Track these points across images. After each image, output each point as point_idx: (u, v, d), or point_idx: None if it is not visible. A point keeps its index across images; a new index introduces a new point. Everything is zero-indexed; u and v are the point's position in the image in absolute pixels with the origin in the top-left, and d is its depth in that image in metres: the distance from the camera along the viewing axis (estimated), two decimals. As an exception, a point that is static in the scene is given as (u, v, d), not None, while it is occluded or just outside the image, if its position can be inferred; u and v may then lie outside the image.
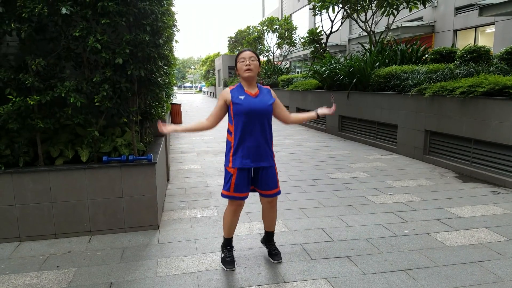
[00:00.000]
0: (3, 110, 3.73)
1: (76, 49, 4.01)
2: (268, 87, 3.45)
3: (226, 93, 3.31)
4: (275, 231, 3.73)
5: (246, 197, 3.36)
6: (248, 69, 3.23)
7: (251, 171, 3.35)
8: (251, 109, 3.20)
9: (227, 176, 3.32)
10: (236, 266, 3.47)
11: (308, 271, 3.37)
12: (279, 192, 3.45)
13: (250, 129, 3.22)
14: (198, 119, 3.48)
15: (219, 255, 3.69)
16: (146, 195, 4.24)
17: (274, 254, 3.58)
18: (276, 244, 3.72)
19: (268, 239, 3.69)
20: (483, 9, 12.81)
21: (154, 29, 4.16)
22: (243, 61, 3.25)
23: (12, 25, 3.64)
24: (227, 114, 3.38)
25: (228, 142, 3.37)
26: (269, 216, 3.57)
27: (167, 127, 3.37)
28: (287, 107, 16.50)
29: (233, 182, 3.28)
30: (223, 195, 3.37)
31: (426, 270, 3.36)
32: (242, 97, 3.24)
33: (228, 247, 3.54)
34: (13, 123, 3.82)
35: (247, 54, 3.27)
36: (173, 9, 5.60)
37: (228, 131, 3.36)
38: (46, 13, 3.63)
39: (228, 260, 3.46)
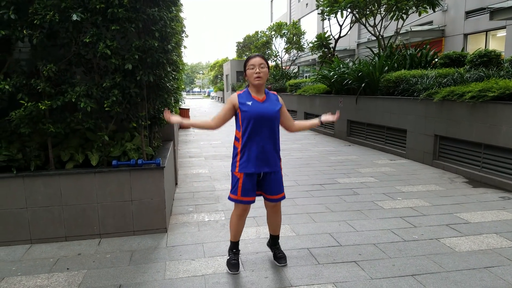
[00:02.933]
0: (15, 114, 3.80)
1: (87, 55, 4.07)
2: (275, 92, 3.45)
3: (234, 98, 3.33)
4: (281, 235, 3.73)
5: (253, 201, 3.37)
6: (258, 77, 3.22)
7: (259, 175, 3.35)
8: (258, 114, 3.21)
9: (234, 180, 3.34)
10: (240, 269, 3.48)
11: (315, 276, 3.37)
12: (283, 197, 3.47)
13: (257, 135, 3.23)
14: (204, 118, 3.47)
15: (226, 258, 3.71)
16: (154, 199, 4.28)
17: (279, 257, 3.59)
18: (282, 248, 3.73)
19: (273, 242, 3.71)
20: (494, 13, 12.71)
21: (163, 35, 4.21)
22: (252, 68, 3.24)
23: (24, 32, 3.71)
24: (233, 118, 3.41)
25: (234, 148, 3.38)
26: (273, 220, 3.60)
27: (173, 117, 3.37)
28: (294, 111, 16.50)
29: (240, 186, 3.29)
30: (230, 198, 3.39)
31: (434, 275, 3.35)
32: (249, 103, 3.24)
33: (234, 250, 3.56)
34: (25, 128, 3.88)
35: (257, 60, 3.25)
36: (181, 15, 5.66)
37: (236, 138, 3.38)
38: (57, 20, 3.70)
39: (233, 263, 3.48)
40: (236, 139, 3.37)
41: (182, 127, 3.64)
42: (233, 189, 3.35)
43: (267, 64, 3.30)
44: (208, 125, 3.38)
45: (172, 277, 3.39)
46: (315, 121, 3.60)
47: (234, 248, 3.57)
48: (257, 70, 3.22)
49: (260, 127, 3.23)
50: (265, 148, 3.26)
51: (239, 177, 3.29)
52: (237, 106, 3.28)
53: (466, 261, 3.59)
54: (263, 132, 3.24)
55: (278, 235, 3.69)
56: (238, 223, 3.48)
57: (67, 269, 3.57)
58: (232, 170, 3.37)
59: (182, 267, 3.57)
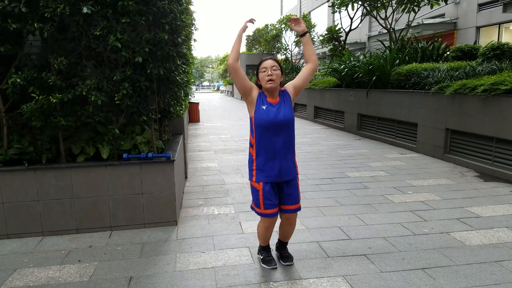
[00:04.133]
0: (26, 108, 3.84)
1: (97, 48, 4.09)
2: (284, 88, 3.26)
3: (256, 88, 3.17)
4: None
5: (277, 213, 3.23)
6: (270, 80, 3.05)
7: (277, 184, 3.20)
8: (272, 118, 3.05)
9: (255, 192, 3.20)
10: (277, 264, 3.41)
11: (325, 269, 3.37)
12: (299, 208, 3.29)
13: (272, 140, 3.08)
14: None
15: (236, 251, 3.72)
16: (165, 192, 4.30)
17: (285, 256, 3.49)
18: (292, 240, 3.70)
19: (281, 246, 3.58)
20: (508, 5, 12.49)
21: (173, 28, 4.21)
22: (264, 71, 3.08)
23: (35, 25, 3.74)
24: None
25: (250, 155, 3.23)
26: (287, 230, 3.42)
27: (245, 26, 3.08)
28: (304, 105, 16.44)
29: (261, 199, 3.15)
30: (253, 210, 3.26)
31: (444, 269, 3.32)
32: (264, 107, 3.08)
33: (266, 250, 3.49)
34: (36, 121, 3.92)
35: (268, 63, 3.09)
36: (191, 8, 5.65)
37: (250, 144, 3.24)
38: (68, 13, 3.72)
39: (269, 259, 3.40)
40: (251, 145, 3.22)
41: (242, 30, 3.38)
42: (256, 202, 3.21)
43: (280, 66, 3.13)
44: (236, 57, 3.09)
45: (183, 269, 3.41)
46: (305, 38, 3.20)
47: (264, 249, 3.49)
48: (269, 72, 3.05)
49: (274, 133, 3.08)
50: (281, 153, 3.11)
51: (259, 189, 3.15)
52: (253, 99, 3.13)
53: (476, 255, 3.56)
54: (278, 137, 3.09)
55: (287, 242, 3.57)
56: (265, 233, 3.36)
57: (79, 261, 3.61)
58: (250, 179, 3.23)
59: (192, 260, 3.59)
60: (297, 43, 27.33)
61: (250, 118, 3.20)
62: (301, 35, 3.24)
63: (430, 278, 3.17)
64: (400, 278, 3.19)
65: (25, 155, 4.06)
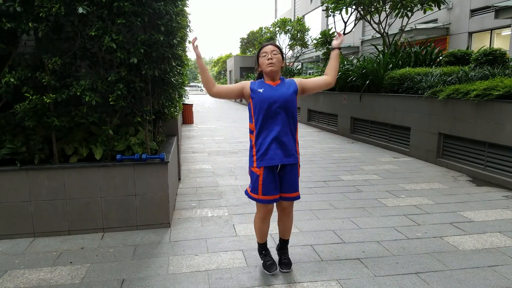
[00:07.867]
0: (19, 107, 3.80)
1: (92, 48, 4.06)
2: (292, 78, 3.26)
3: (246, 82, 3.20)
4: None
5: (277, 200, 3.19)
6: (270, 63, 3.07)
7: (278, 168, 3.15)
8: (271, 97, 3.04)
9: (254, 178, 3.16)
10: (277, 268, 3.37)
11: (319, 272, 3.36)
12: (298, 197, 3.27)
13: (272, 122, 3.06)
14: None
15: (230, 254, 3.71)
16: (158, 194, 4.28)
17: (283, 263, 3.41)
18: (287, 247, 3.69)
19: (281, 246, 3.54)
20: (500, 11, 12.63)
21: (168, 29, 4.20)
22: (265, 56, 3.10)
23: (30, 24, 3.71)
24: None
25: (250, 141, 3.21)
26: (284, 223, 3.41)
27: (197, 48, 3.13)
28: (298, 108, 16.47)
29: (260, 183, 3.10)
30: (250, 197, 3.22)
31: (438, 273, 3.34)
32: (261, 90, 3.09)
33: (264, 252, 3.44)
34: (29, 121, 3.88)
35: (269, 48, 3.11)
36: (187, 9, 5.63)
37: (250, 131, 3.21)
38: (63, 13, 3.69)
39: (269, 264, 3.34)
40: (250, 131, 3.20)
41: (198, 58, 3.53)
42: (253, 188, 3.16)
43: (281, 51, 3.15)
44: (212, 84, 3.17)
45: (175, 272, 3.39)
46: (334, 52, 3.33)
47: (263, 249, 3.44)
48: (270, 56, 3.07)
49: (274, 112, 3.05)
50: (281, 135, 3.07)
51: (259, 173, 3.11)
52: (248, 92, 3.14)
53: (470, 260, 3.58)
54: (277, 118, 3.06)
55: (288, 239, 3.51)
56: (262, 226, 3.31)
57: (70, 262, 3.57)
58: (250, 166, 3.18)
59: (185, 262, 3.57)
60: (291, 47, 27.39)
61: (249, 104, 3.19)
62: (333, 48, 3.36)
63: (424, 283, 3.18)
64: (394, 282, 3.19)
65: (17, 155, 4.01)
